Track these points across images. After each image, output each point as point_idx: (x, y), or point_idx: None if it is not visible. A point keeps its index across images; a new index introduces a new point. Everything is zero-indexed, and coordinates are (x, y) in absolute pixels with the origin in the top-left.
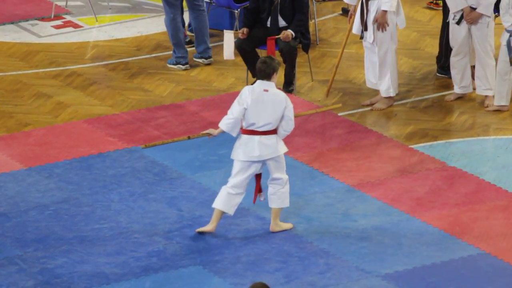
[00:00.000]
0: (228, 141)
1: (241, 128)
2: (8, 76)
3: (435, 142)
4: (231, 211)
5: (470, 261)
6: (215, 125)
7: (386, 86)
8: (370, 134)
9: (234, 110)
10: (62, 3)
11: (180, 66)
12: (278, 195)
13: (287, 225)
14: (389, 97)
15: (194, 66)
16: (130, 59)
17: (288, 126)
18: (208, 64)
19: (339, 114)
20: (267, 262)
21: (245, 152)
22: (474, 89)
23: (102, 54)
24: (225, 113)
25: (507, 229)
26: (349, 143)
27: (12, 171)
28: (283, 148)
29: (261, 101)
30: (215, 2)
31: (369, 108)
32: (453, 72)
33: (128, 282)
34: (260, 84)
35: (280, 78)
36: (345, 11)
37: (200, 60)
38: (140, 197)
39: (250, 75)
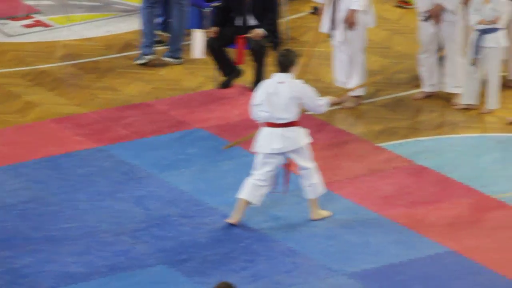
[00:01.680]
0: (195, 140)
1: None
2: None
3: (403, 141)
4: (257, 201)
5: (437, 259)
6: (184, 124)
7: (355, 84)
8: (338, 133)
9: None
10: (33, 2)
11: (143, 58)
12: (312, 186)
13: (326, 213)
14: (358, 96)
15: (163, 65)
16: (100, 58)
17: (314, 105)
18: (178, 64)
19: (308, 113)
20: (234, 261)
21: (267, 145)
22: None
23: (72, 53)
24: (194, 112)
25: (473, 227)
26: (317, 142)
27: None
28: (304, 140)
29: (275, 94)
30: None
31: (338, 107)
32: (421, 70)
33: (95, 281)
34: (276, 76)
35: (249, 76)
36: (315, 10)
37: (170, 60)
38: (108, 196)
39: (219, 73)
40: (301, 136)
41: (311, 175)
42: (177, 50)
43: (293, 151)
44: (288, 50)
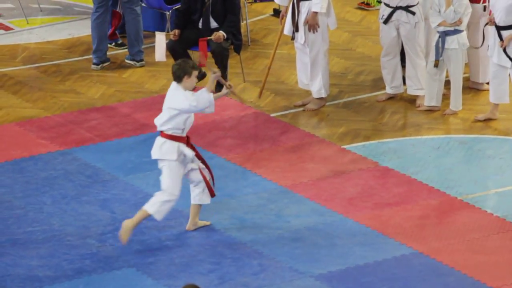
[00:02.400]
0: None
1: None
2: None
3: (367, 142)
4: (199, 200)
5: (403, 261)
6: (148, 127)
7: (317, 87)
8: (302, 135)
9: None
10: None
11: (95, 66)
12: (153, 199)
13: (125, 234)
14: (321, 98)
15: (126, 67)
16: (62, 61)
17: (197, 109)
18: (140, 67)
19: (272, 115)
20: (200, 264)
21: None
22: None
23: (34, 56)
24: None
25: (439, 228)
26: (282, 144)
27: None
28: (161, 154)
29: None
30: (146, 4)
31: (301, 109)
32: (383, 72)
33: (61, 284)
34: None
35: None
36: (277, 12)
37: (132, 62)
38: (73, 200)
39: None
40: (159, 150)
41: (158, 195)
42: (137, 52)
43: (158, 161)
44: (184, 61)
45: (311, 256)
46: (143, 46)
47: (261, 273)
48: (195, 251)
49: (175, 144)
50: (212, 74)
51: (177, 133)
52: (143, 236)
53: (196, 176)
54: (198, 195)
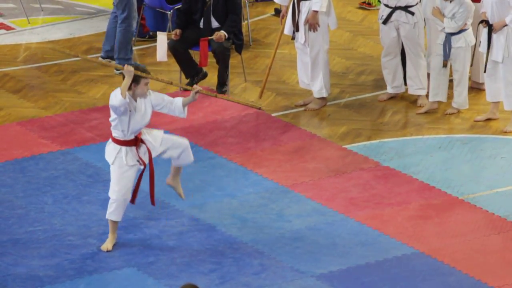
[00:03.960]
0: None
1: None
2: None
3: (368, 142)
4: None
5: (404, 260)
6: (149, 126)
7: (318, 86)
8: (303, 135)
9: None
10: None
11: (101, 59)
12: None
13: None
14: (322, 98)
15: None
16: (63, 61)
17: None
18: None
19: (273, 115)
20: (201, 263)
21: None
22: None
23: (35, 56)
24: (159, 115)
25: (440, 228)
26: (283, 144)
27: None
28: (105, 155)
29: None
30: (147, 4)
31: (302, 109)
32: (384, 72)
33: (63, 284)
34: None
35: (213, 79)
36: (278, 12)
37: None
38: (74, 199)
39: (183, 76)
40: (105, 150)
41: (110, 204)
42: (118, 60)
43: None
44: (137, 67)
45: (312, 255)
46: (144, 46)
47: (262, 273)
48: (196, 251)
49: (116, 147)
50: (194, 92)
51: (118, 135)
52: (144, 235)
53: (168, 154)
54: (174, 160)
